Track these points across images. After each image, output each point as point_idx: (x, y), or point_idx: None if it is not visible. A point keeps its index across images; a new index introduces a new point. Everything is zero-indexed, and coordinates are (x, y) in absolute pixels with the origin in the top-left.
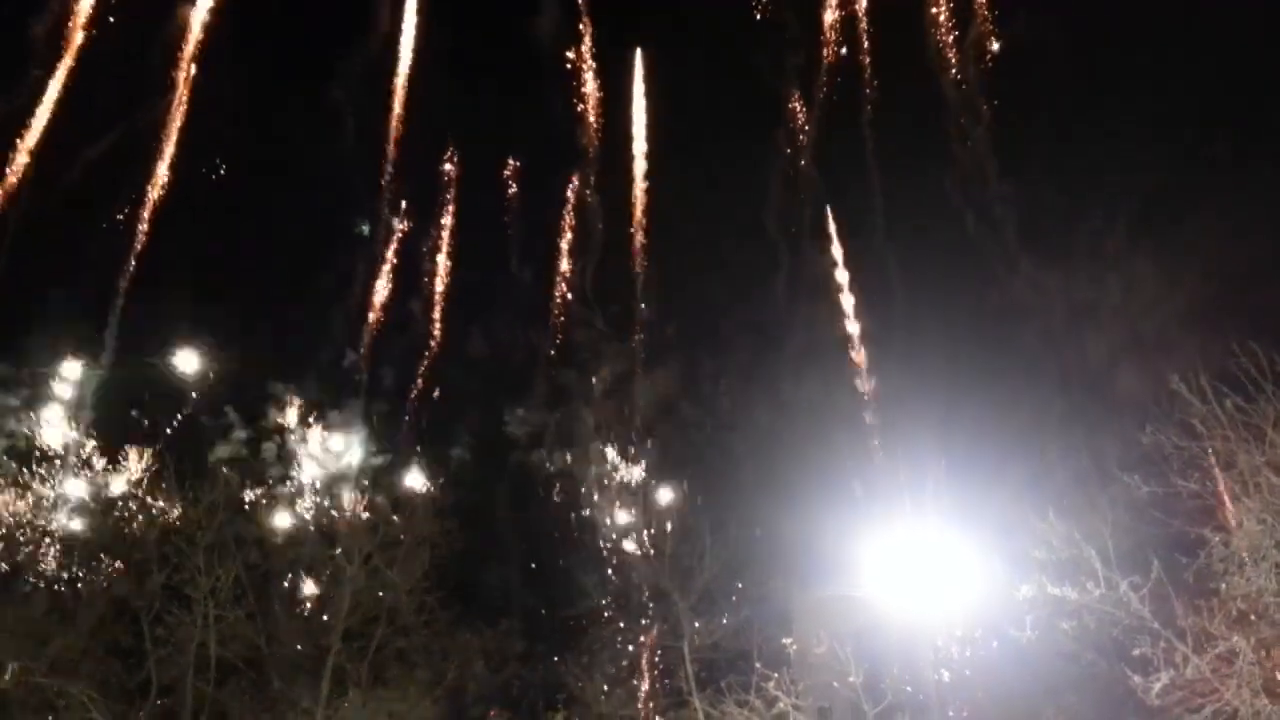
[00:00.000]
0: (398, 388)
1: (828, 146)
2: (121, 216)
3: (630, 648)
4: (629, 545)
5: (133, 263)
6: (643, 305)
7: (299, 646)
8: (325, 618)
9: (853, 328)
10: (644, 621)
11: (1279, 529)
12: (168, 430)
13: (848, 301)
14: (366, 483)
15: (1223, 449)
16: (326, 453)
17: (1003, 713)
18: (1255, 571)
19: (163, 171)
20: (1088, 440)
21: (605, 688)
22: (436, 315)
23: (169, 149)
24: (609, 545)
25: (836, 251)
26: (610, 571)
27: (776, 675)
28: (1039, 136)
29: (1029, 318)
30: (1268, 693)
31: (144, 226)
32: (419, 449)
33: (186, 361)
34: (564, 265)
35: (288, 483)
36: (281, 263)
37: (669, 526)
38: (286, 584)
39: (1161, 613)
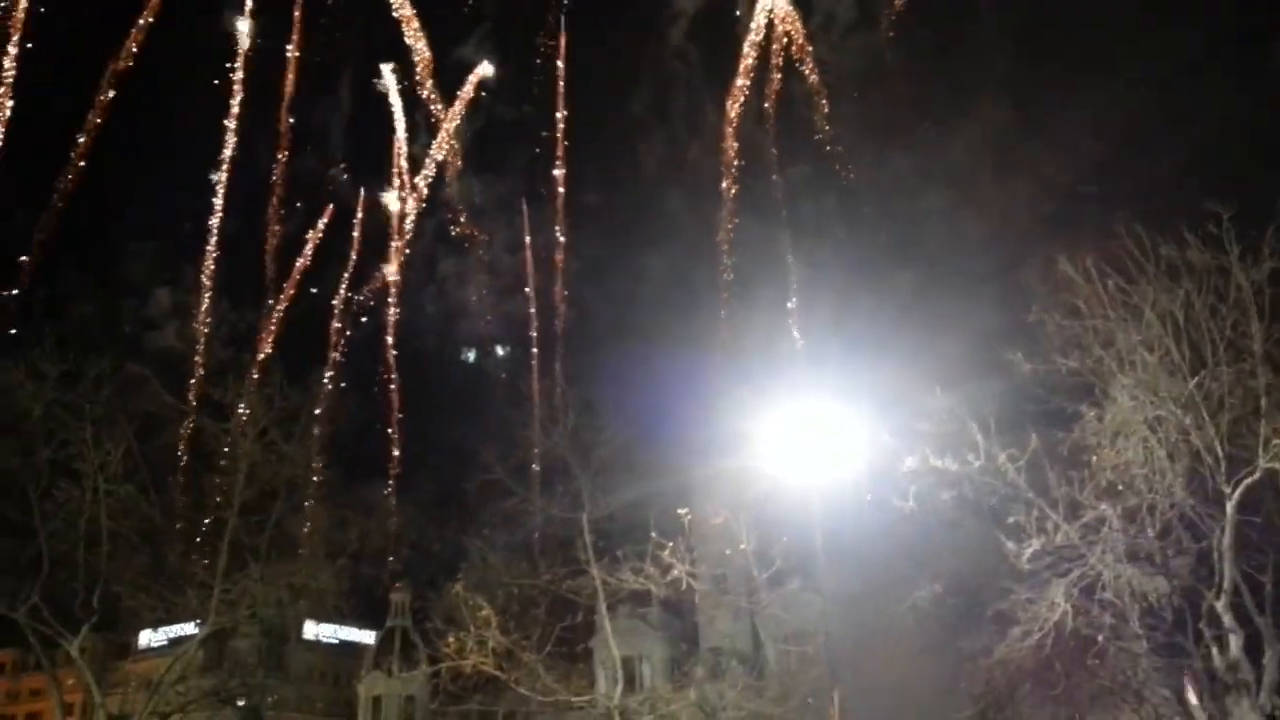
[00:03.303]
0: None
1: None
2: None
3: (530, 519)
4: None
5: None
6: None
7: (195, 521)
8: (223, 491)
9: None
10: (543, 493)
11: (1149, 405)
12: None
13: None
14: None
15: (1103, 328)
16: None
17: (885, 577)
18: (1125, 444)
19: None
20: (974, 317)
21: (505, 558)
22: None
23: None
24: (509, 416)
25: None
26: (512, 443)
27: (671, 544)
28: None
29: (920, 194)
30: (1130, 558)
31: None
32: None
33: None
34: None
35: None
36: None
37: (569, 399)
38: (182, 459)
39: (1036, 483)
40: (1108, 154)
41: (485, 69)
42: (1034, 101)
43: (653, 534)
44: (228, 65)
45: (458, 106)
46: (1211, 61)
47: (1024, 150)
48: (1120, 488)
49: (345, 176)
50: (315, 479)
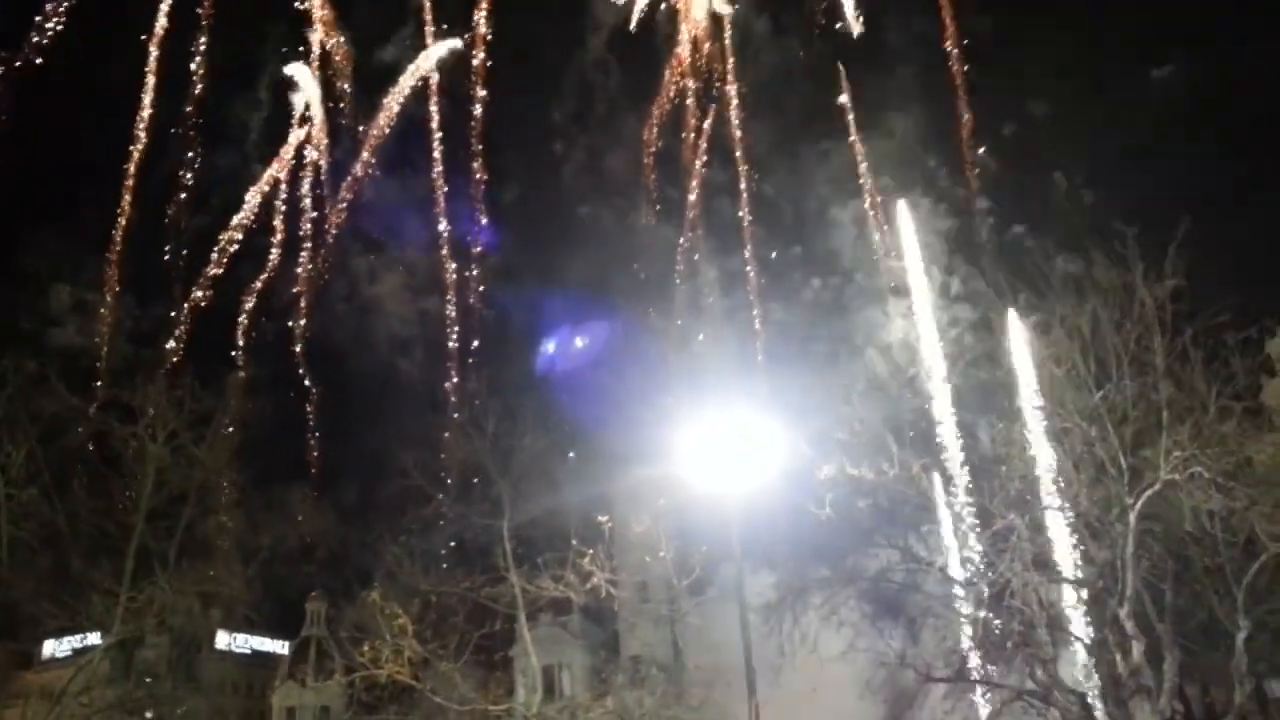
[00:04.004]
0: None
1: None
2: None
3: (449, 525)
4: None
5: None
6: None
7: (101, 526)
8: (130, 496)
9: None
10: (462, 499)
11: (1056, 417)
12: None
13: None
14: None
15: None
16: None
17: (802, 584)
18: (1032, 455)
19: None
20: (887, 328)
21: (423, 565)
22: (194, 152)
23: None
24: (428, 420)
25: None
26: (430, 448)
27: (591, 551)
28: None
29: (829, 204)
30: (1037, 565)
31: None
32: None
33: None
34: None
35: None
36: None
37: (490, 405)
38: (87, 461)
39: (949, 491)
40: (1012, 171)
41: (440, 50)
42: (939, 116)
43: (573, 541)
44: (142, 63)
45: (384, 112)
46: (1114, 79)
47: (930, 164)
48: (1028, 498)
49: (265, 177)
50: (227, 484)
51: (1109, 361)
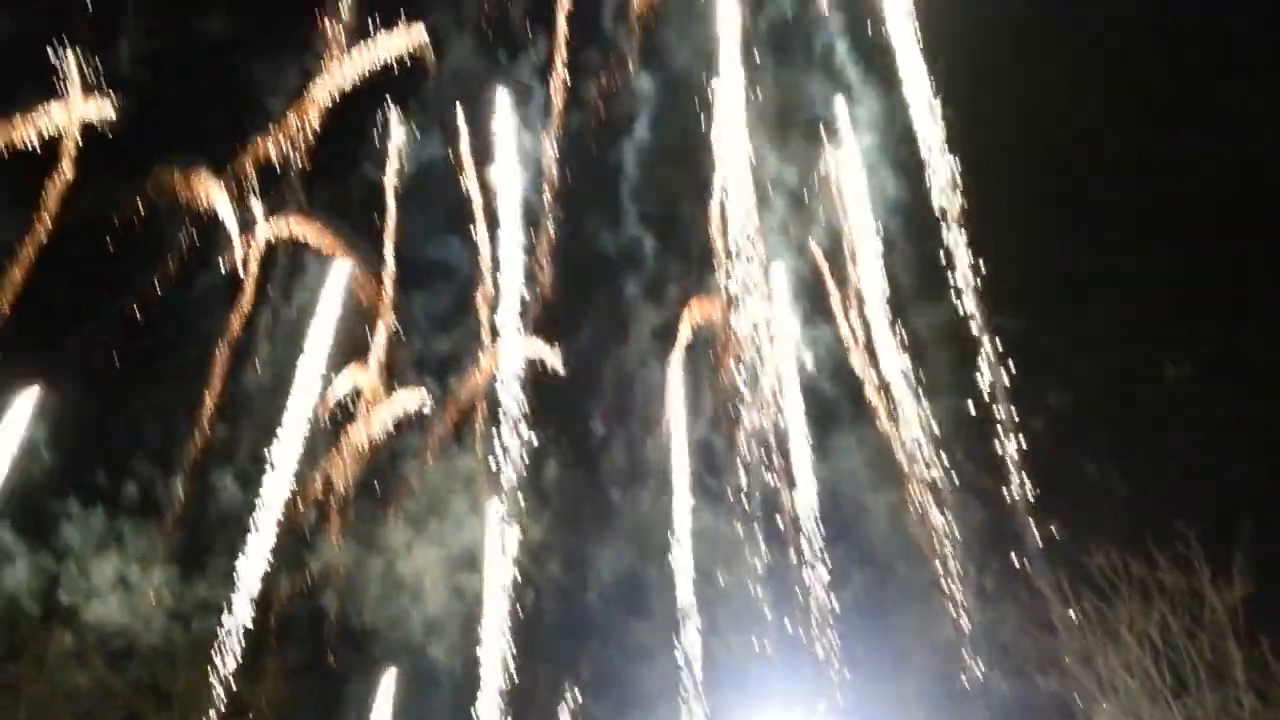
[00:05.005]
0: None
1: None
2: None
3: None
4: None
5: None
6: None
7: None
8: None
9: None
10: None
11: None
12: None
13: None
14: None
15: (1080, 649)
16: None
17: None
18: None
19: None
20: (937, 627)
21: None
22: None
23: None
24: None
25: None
26: None
27: None
28: None
29: (863, 492)
30: None
31: None
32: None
33: None
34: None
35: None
36: None
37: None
38: None
39: None
40: (1042, 463)
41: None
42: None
43: None
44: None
45: (442, 408)
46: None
47: (957, 455)
48: None
49: (319, 469)
50: None
51: (1184, 671)
